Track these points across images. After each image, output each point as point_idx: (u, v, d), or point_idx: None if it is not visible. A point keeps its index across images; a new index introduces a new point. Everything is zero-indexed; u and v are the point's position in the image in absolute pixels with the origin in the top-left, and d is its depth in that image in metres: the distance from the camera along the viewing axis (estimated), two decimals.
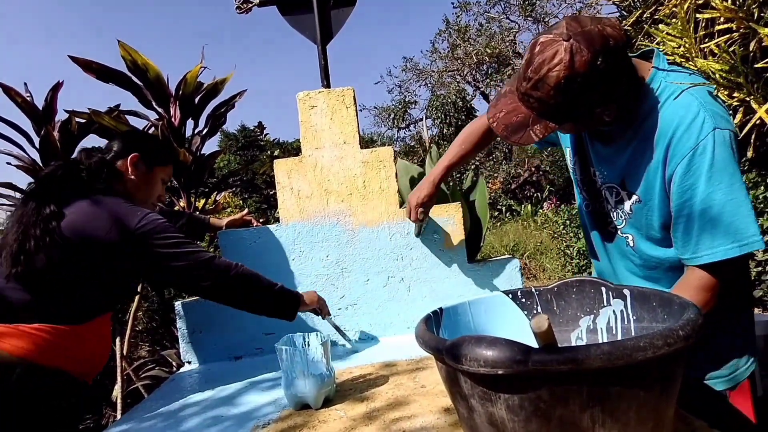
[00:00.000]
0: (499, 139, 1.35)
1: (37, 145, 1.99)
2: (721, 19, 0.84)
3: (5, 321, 1.04)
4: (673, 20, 0.88)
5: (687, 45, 0.93)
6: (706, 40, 0.96)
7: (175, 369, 2.23)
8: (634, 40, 1.17)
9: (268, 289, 1.23)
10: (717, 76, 0.83)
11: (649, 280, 1.05)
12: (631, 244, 1.05)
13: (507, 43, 12.04)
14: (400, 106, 13.81)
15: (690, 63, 0.96)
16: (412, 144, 13.47)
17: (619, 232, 1.07)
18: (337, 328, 1.45)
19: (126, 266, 1.13)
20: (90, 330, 1.14)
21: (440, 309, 0.83)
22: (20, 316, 1.05)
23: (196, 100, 2.03)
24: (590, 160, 1.09)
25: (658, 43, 1.04)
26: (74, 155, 1.27)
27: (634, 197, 0.99)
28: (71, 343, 1.10)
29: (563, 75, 0.82)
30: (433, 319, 0.80)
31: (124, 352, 2.11)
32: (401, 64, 14.57)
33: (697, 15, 0.83)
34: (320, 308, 1.37)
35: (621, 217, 1.04)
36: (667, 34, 0.96)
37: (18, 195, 2.08)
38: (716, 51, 0.82)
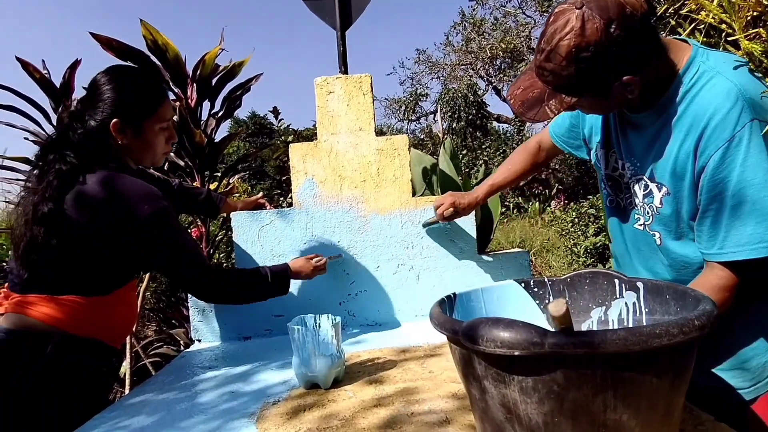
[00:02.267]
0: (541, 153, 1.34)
1: (54, 122, 2.01)
2: (750, 11, 0.83)
3: (35, 292, 1.05)
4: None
5: (735, 25, 0.86)
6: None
7: (183, 348, 2.27)
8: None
9: (259, 285, 1.26)
10: (764, 60, 0.81)
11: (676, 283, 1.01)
12: (659, 242, 1.00)
13: (522, 39, 11.93)
14: (411, 99, 13.76)
15: (731, 46, 0.90)
16: (422, 137, 13.43)
17: (647, 228, 1.01)
18: (331, 258, 1.48)
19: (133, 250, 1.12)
20: (118, 298, 1.15)
21: (453, 294, 0.85)
22: (49, 290, 1.05)
23: (213, 81, 2.04)
24: (619, 152, 1.04)
25: (698, 25, 0.97)
26: (64, 122, 1.13)
27: (664, 189, 0.94)
28: (102, 313, 1.11)
29: (574, 43, 0.80)
30: (447, 304, 0.81)
31: (134, 329, 2.14)
32: (414, 56, 14.48)
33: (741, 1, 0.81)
34: (315, 273, 1.38)
35: (648, 213, 0.99)
36: (719, 5, 0.87)
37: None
38: (764, 35, 0.81)
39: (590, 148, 1.16)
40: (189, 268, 1.15)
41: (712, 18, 0.88)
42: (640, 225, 1.03)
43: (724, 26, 0.87)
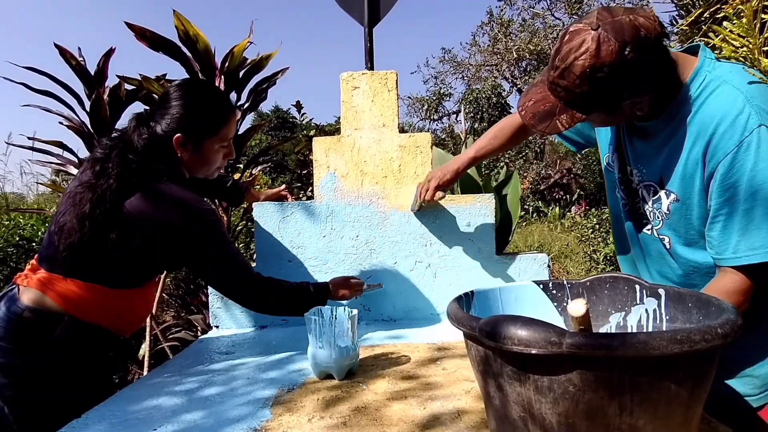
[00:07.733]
0: (531, 137, 1.36)
1: (87, 108, 2.06)
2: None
3: (60, 273, 1.08)
4: (736, 21, 0.86)
5: (751, 45, 0.89)
6: None
7: (200, 333, 2.31)
8: (691, 40, 1.14)
9: (300, 300, 1.27)
10: None
11: (685, 287, 1.00)
12: (668, 246, 1.02)
13: (549, 41, 11.78)
14: (434, 98, 13.72)
15: (753, 66, 0.92)
16: (443, 137, 13.37)
17: (655, 233, 1.04)
18: (370, 286, 1.49)
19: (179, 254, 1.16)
20: (139, 293, 1.18)
21: (471, 292, 0.85)
22: (76, 276, 1.08)
23: (241, 74, 2.07)
24: (627, 158, 1.06)
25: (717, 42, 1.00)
26: (125, 126, 1.19)
27: (672, 195, 0.96)
28: (118, 305, 1.14)
29: (588, 64, 0.82)
30: (464, 301, 0.81)
31: (154, 312, 2.19)
32: (439, 55, 14.42)
33: (763, 15, 0.80)
34: (352, 295, 1.39)
35: (658, 217, 1.01)
36: (731, 32, 0.92)
37: (66, 154, 2.17)
38: None
39: (586, 144, 1.23)
40: (237, 280, 1.20)
41: (733, 41, 0.88)
42: (648, 230, 1.06)
43: (744, 50, 0.86)
